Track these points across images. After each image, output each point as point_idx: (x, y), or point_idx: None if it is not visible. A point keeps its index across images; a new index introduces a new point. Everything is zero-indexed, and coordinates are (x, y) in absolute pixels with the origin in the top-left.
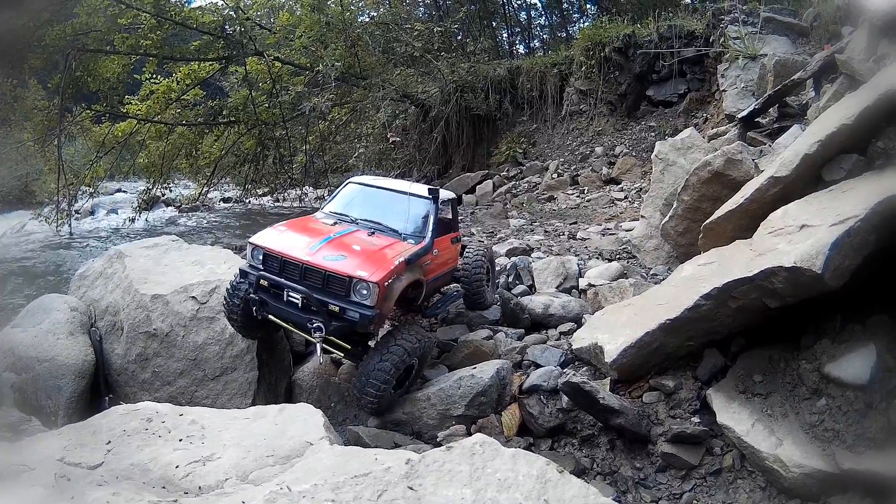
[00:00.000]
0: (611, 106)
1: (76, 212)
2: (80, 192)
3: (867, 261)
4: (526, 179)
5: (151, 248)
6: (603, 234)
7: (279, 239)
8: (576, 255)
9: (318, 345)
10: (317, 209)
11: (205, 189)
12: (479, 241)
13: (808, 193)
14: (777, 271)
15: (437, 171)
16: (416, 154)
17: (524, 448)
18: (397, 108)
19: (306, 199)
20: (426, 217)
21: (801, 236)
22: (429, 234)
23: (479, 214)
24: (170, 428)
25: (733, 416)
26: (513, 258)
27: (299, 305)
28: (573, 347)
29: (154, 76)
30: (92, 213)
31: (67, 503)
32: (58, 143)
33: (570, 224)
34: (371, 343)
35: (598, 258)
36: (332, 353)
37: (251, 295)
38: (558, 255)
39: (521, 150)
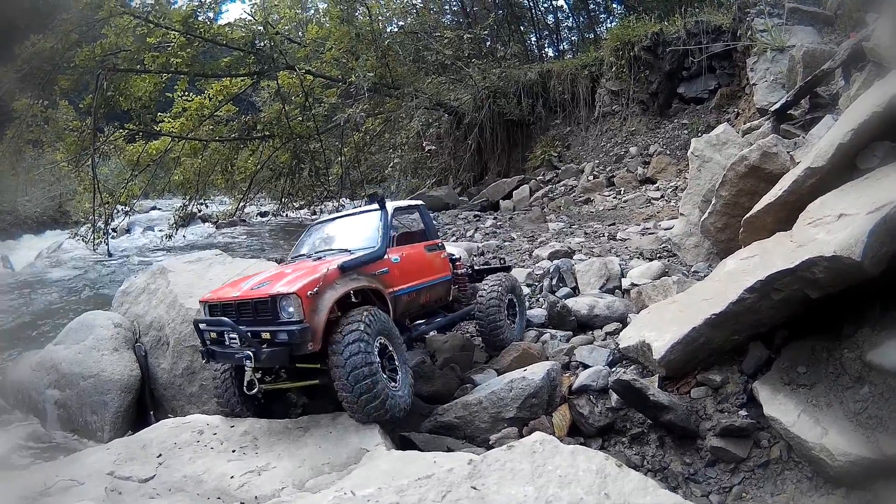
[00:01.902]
0: (643, 105)
1: (112, 230)
2: (115, 211)
3: None
4: (562, 183)
5: (195, 263)
6: (642, 234)
7: (223, 289)
8: (617, 256)
9: (248, 372)
10: None
11: (241, 204)
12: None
13: (845, 182)
14: (818, 261)
15: (472, 177)
16: (452, 162)
17: None
18: (431, 117)
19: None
20: (377, 227)
21: (839, 225)
22: (379, 241)
23: (518, 219)
24: (222, 439)
25: (779, 407)
26: (555, 261)
27: (238, 344)
28: (620, 346)
29: (186, 93)
30: (128, 231)
31: None
32: (91, 162)
33: (609, 225)
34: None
35: (639, 258)
36: (281, 387)
37: (201, 349)
38: (599, 256)
39: (555, 154)
